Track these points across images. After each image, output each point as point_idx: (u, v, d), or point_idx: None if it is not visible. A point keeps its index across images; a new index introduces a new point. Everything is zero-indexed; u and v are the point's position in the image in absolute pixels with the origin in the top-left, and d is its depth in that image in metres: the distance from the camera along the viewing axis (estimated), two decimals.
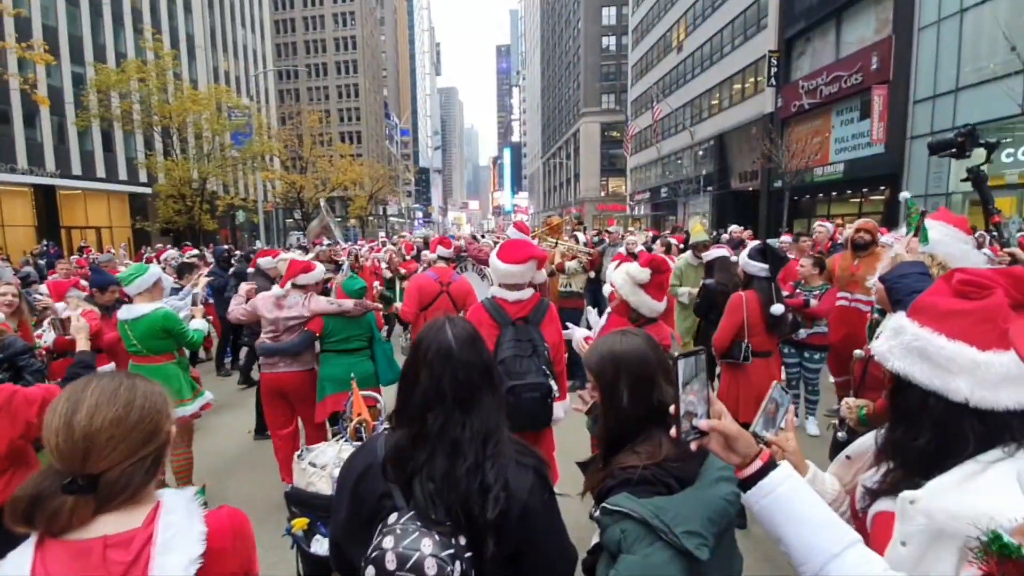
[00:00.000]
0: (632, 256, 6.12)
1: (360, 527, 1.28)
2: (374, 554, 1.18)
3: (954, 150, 3.66)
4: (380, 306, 4.65)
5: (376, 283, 8.64)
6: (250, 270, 7.25)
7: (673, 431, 1.13)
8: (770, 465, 1.11)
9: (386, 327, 9.50)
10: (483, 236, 14.51)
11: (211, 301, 7.66)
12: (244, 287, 4.77)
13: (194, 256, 9.87)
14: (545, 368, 2.94)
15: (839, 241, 8.54)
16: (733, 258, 5.43)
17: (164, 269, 6.55)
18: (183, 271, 6.84)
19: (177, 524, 1.11)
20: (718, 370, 4.19)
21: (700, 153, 36.05)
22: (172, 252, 9.77)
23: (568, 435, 4.05)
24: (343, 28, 69.64)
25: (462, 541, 1.21)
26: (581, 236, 8.68)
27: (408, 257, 9.97)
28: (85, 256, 12.94)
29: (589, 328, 3.56)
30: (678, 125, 38.77)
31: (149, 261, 9.38)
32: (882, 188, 20.21)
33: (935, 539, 0.96)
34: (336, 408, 4.13)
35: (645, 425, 1.48)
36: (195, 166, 27.45)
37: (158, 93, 25.89)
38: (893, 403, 1.15)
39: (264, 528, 3.90)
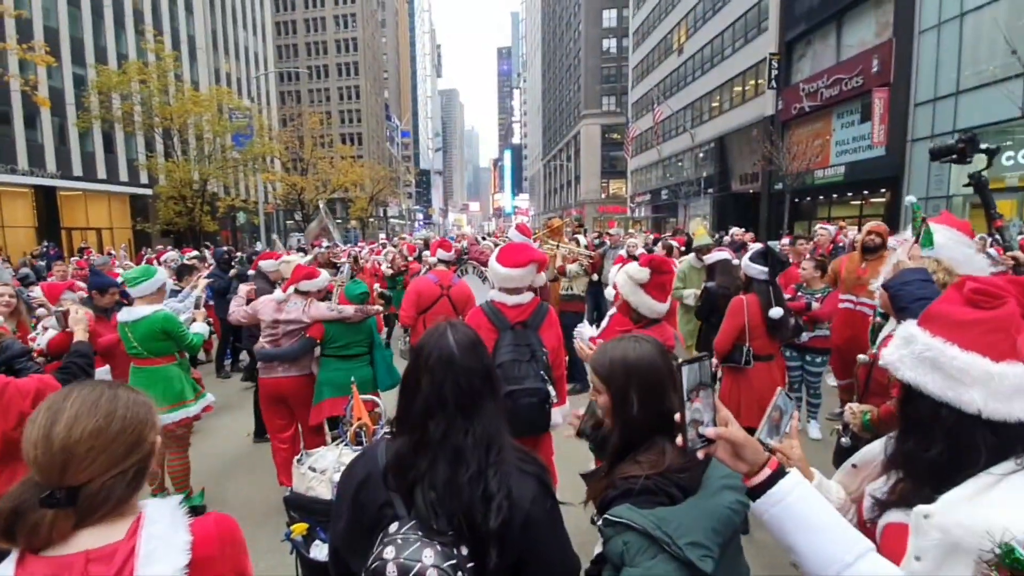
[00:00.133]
0: (633, 259, 6.12)
1: (360, 536, 1.26)
2: (375, 564, 1.16)
3: (955, 156, 3.66)
4: (381, 309, 4.63)
5: (376, 284, 8.62)
6: (250, 272, 7.23)
7: (679, 440, 1.11)
8: (779, 473, 1.09)
9: (386, 328, 9.49)
10: (483, 239, 14.49)
11: (211, 303, 7.65)
12: (243, 288, 4.75)
13: (194, 258, 9.86)
14: (543, 373, 2.91)
15: (841, 244, 8.53)
16: (735, 261, 5.42)
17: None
18: (182, 273, 6.82)
19: (160, 535, 1.08)
20: (719, 374, 4.17)
21: (701, 155, 36.05)
22: (172, 254, 9.75)
23: (567, 441, 4.03)
24: (344, 30, 69.71)
25: (464, 551, 1.19)
26: (582, 239, 8.66)
27: (411, 259, 9.96)
28: (85, 257, 12.94)
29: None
30: (679, 127, 38.78)
31: (150, 262, 9.37)
32: (883, 191, 20.20)
33: (950, 553, 0.95)
34: (333, 413, 4.12)
35: (651, 434, 1.46)
36: (196, 167, 27.44)
37: (159, 94, 25.88)
38: (903, 413, 1.13)
39: (263, 531, 3.91)
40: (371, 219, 53.93)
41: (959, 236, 2.66)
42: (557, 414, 3.05)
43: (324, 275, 4.46)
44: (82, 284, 5.40)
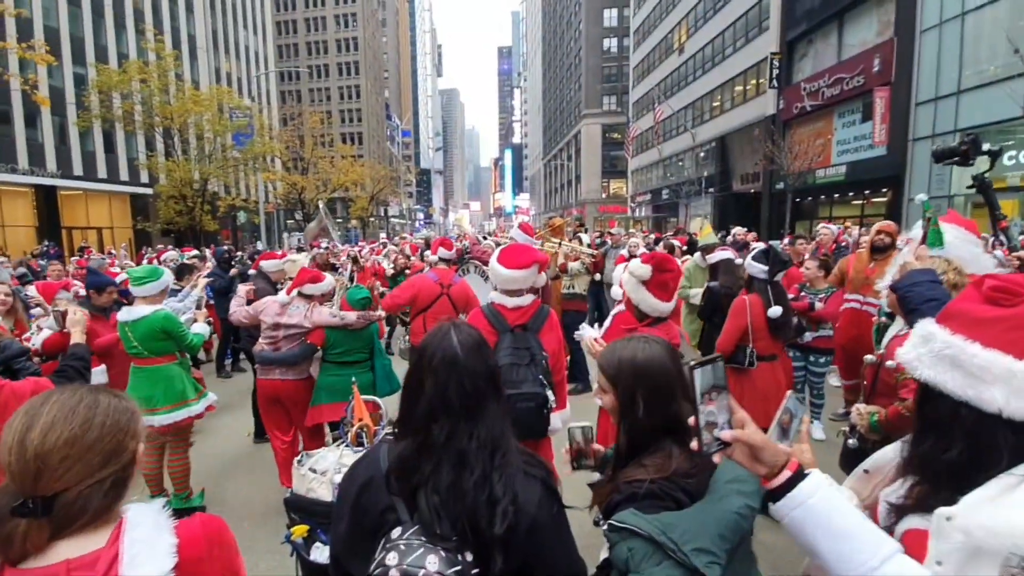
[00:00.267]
0: (633, 258, 6.09)
1: (362, 540, 1.24)
2: (377, 571, 1.14)
3: (958, 158, 3.65)
4: (383, 315, 4.59)
5: (378, 283, 8.60)
6: (251, 272, 7.20)
7: (694, 443, 1.09)
8: (800, 474, 1.06)
9: (388, 328, 9.46)
10: (484, 238, 14.46)
11: (212, 302, 7.63)
12: (243, 288, 4.71)
13: (194, 257, 9.84)
14: (542, 377, 2.87)
15: (844, 243, 8.50)
16: (737, 260, 5.39)
17: None
18: (182, 273, 6.79)
19: (144, 539, 1.05)
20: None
21: (702, 155, 36.01)
22: (172, 253, 9.72)
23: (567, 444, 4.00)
24: (345, 30, 69.69)
25: (468, 557, 1.16)
26: (585, 237, 8.63)
27: (414, 258, 9.95)
28: (86, 257, 12.93)
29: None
30: (680, 127, 38.74)
31: (150, 262, 9.35)
32: (884, 190, 20.17)
33: (973, 557, 0.92)
34: (331, 418, 4.10)
35: (658, 437, 1.44)
36: (196, 167, 27.45)
37: (160, 94, 25.89)
38: (921, 414, 1.11)
39: (263, 531, 3.89)
40: (372, 218, 53.93)
41: (967, 235, 2.64)
42: (556, 419, 3.02)
43: (329, 279, 4.43)
44: (76, 283, 5.37)
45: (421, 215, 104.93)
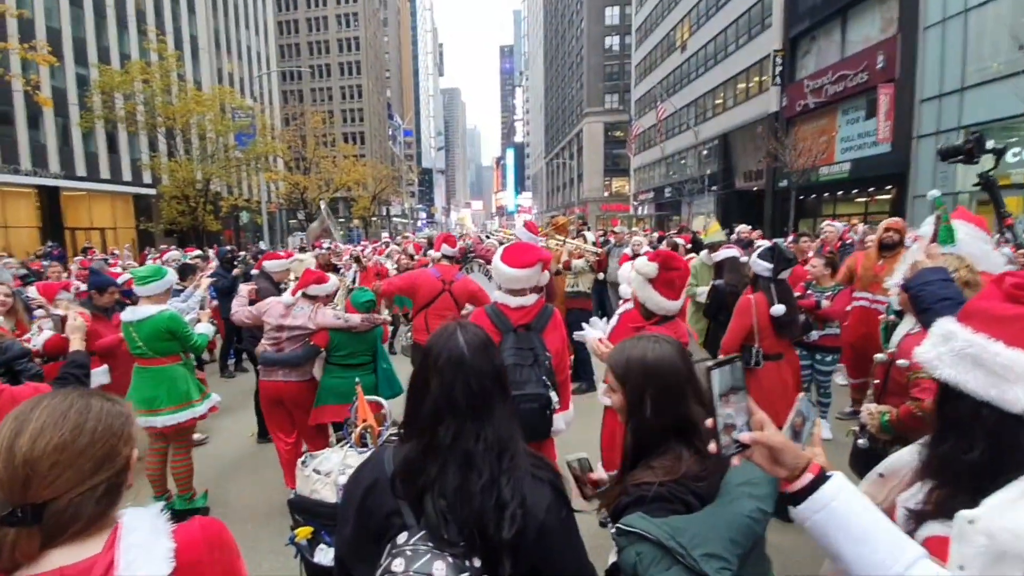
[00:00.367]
0: (637, 257, 6.05)
1: (367, 544, 1.21)
2: None
3: (963, 156, 3.63)
4: (388, 319, 4.57)
5: (381, 284, 8.57)
6: (254, 272, 7.18)
7: (712, 446, 1.06)
8: (822, 477, 1.03)
9: (392, 328, 9.45)
10: (488, 236, 14.45)
11: (215, 302, 7.61)
12: (245, 288, 4.69)
13: (197, 257, 9.82)
14: (546, 378, 2.84)
15: (849, 241, 8.46)
16: (743, 258, 5.35)
17: None
18: (185, 273, 6.77)
19: (140, 544, 1.02)
20: None
21: (704, 152, 35.93)
22: (174, 253, 9.71)
23: (570, 449, 3.98)
24: (346, 29, 69.69)
25: (476, 563, 1.14)
26: (590, 235, 8.59)
27: (418, 257, 9.93)
28: (89, 257, 12.94)
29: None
30: (682, 124, 38.65)
31: (154, 262, 9.34)
32: (888, 187, 20.09)
33: (997, 560, 0.89)
34: (334, 419, 4.09)
35: (667, 438, 1.41)
36: (199, 167, 27.47)
37: (162, 94, 25.91)
38: (941, 414, 1.08)
39: (267, 532, 3.87)
40: (374, 218, 53.97)
41: (977, 231, 2.61)
42: (559, 420, 2.98)
43: (333, 280, 4.41)
44: (78, 283, 5.35)
45: (423, 214, 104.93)
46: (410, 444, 1.26)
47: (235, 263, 8.98)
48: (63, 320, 3.03)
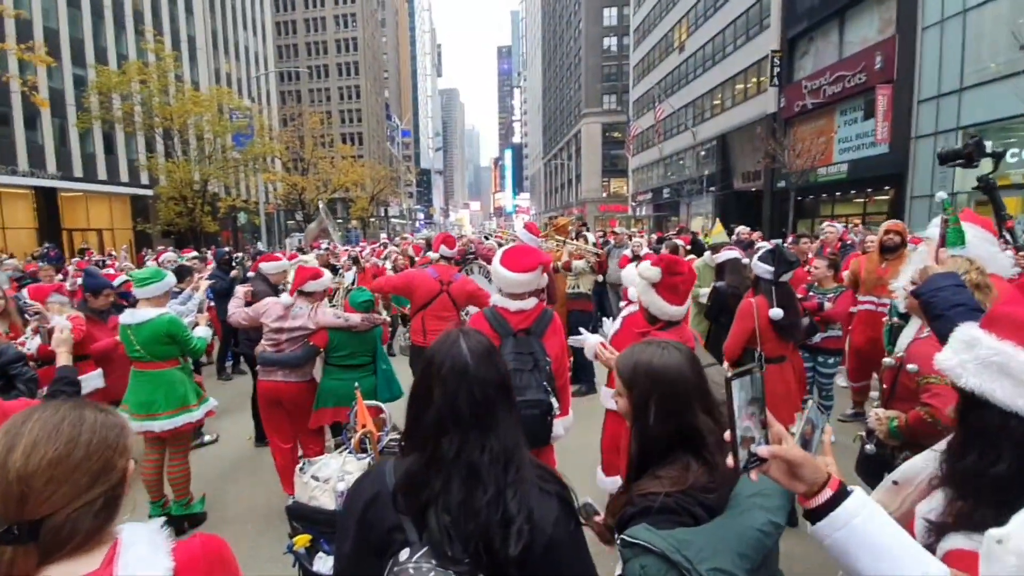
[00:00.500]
0: (637, 258, 6.01)
1: (367, 561, 1.17)
2: None
3: (963, 160, 3.61)
4: (388, 319, 4.53)
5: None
6: (250, 274, 7.13)
7: (729, 460, 1.02)
8: (843, 493, 0.99)
9: (391, 328, 9.41)
10: (487, 238, 14.42)
11: (212, 304, 7.56)
12: (241, 290, 4.65)
13: (194, 258, 9.77)
14: (546, 384, 2.80)
15: (849, 242, 8.43)
16: (744, 260, 5.32)
17: None
18: (182, 274, 6.71)
19: (140, 560, 1.00)
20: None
21: (703, 153, 35.94)
22: (169, 255, 9.64)
23: (570, 454, 3.95)
24: (344, 30, 69.64)
25: None
26: (591, 236, 8.56)
27: (417, 258, 9.88)
28: (86, 258, 12.88)
29: (605, 335, 3.43)
30: (680, 125, 38.67)
31: (153, 263, 9.28)
32: (887, 188, 20.10)
33: None
34: (334, 420, 4.05)
35: (672, 447, 1.38)
36: (196, 168, 27.40)
37: (159, 95, 25.84)
38: (964, 424, 1.05)
39: (265, 539, 3.83)
40: (372, 219, 53.88)
41: (984, 233, 2.58)
42: (559, 426, 2.94)
43: (327, 275, 4.37)
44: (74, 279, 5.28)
45: (421, 215, 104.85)
46: (412, 457, 1.21)
47: (233, 265, 8.92)
48: (50, 333, 2.96)
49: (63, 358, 2.56)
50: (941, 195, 2.46)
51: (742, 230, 10.32)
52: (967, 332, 1.03)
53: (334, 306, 4.52)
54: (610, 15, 58.60)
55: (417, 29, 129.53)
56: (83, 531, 0.98)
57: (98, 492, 1.00)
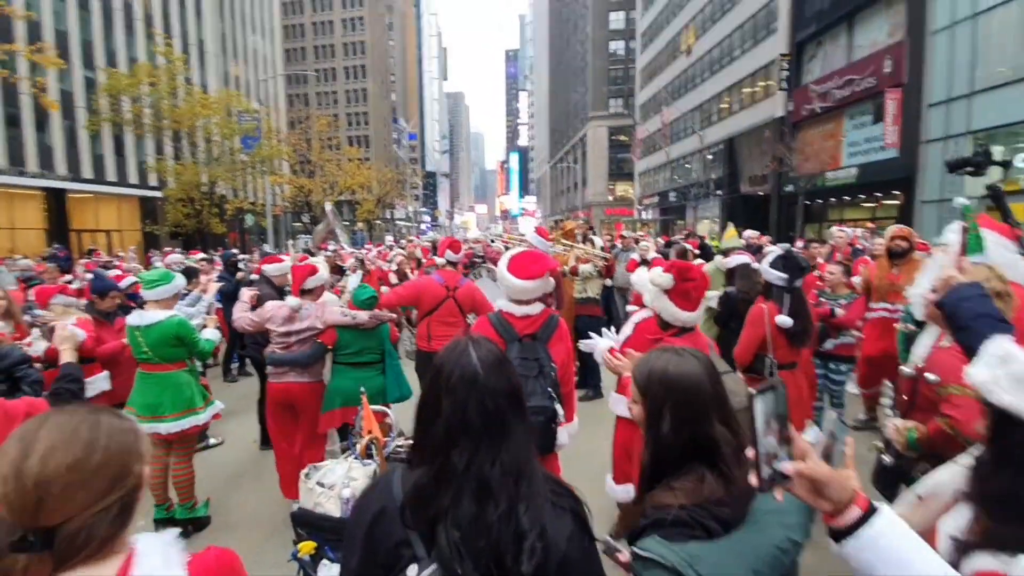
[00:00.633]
0: (645, 263, 5.96)
1: (374, 571, 1.14)
2: None
3: (972, 168, 3.57)
4: (395, 316, 4.51)
5: (384, 288, 8.53)
6: (253, 276, 7.11)
7: (752, 478, 0.98)
8: (871, 511, 0.95)
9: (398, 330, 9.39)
10: (492, 241, 14.41)
11: (219, 306, 7.54)
12: (246, 293, 4.63)
13: (201, 260, 9.78)
14: (551, 390, 2.76)
15: (859, 247, 8.36)
16: (754, 265, 5.26)
17: None
18: (188, 276, 6.70)
19: (154, 572, 0.98)
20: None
21: (710, 157, 35.85)
22: (175, 256, 9.65)
23: (575, 462, 3.90)
24: (352, 33, 70.01)
25: None
26: (598, 240, 8.50)
27: (425, 260, 9.86)
28: (94, 259, 12.92)
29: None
30: (687, 129, 38.62)
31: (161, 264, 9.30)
32: (896, 192, 19.97)
33: None
34: (345, 420, 4.02)
35: (686, 457, 1.34)
36: (204, 170, 27.57)
37: (168, 97, 26.04)
38: (996, 443, 1.00)
39: (270, 544, 3.80)
40: (378, 221, 54.01)
41: (1003, 240, 2.52)
42: (563, 433, 2.90)
43: (324, 268, 4.36)
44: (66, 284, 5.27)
45: (427, 218, 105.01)
46: (421, 470, 1.17)
47: (238, 267, 8.92)
48: (51, 331, 2.93)
49: (67, 355, 2.54)
50: (961, 200, 2.41)
51: (750, 234, 10.23)
52: (1001, 346, 0.99)
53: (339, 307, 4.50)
54: (617, 19, 58.70)
55: (424, 33, 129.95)
56: (98, 538, 0.95)
57: (115, 498, 0.98)
